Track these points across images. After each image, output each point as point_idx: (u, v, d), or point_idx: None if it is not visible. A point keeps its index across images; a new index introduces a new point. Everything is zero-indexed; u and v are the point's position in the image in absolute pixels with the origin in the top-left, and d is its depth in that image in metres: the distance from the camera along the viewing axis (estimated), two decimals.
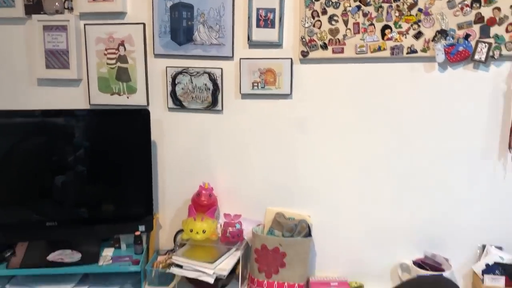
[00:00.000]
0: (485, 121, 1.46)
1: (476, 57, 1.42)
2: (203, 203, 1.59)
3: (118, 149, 1.56)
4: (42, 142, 1.52)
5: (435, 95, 1.47)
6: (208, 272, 1.45)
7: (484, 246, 1.50)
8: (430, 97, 1.48)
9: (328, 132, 1.57)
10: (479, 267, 1.46)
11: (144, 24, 1.61)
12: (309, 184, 1.61)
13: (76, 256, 1.55)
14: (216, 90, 1.60)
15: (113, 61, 1.65)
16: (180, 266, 1.49)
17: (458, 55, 1.42)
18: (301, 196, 1.63)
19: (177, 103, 1.64)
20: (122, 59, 1.65)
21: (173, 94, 1.63)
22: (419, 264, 1.50)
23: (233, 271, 1.54)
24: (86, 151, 1.54)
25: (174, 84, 1.62)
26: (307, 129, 1.58)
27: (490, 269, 1.43)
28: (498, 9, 1.38)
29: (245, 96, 1.60)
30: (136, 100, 1.66)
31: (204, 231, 1.55)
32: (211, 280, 1.45)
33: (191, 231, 1.55)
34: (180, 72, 1.61)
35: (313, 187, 1.61)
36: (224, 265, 1.49)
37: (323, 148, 1.58)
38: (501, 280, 1.41)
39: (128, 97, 1.67)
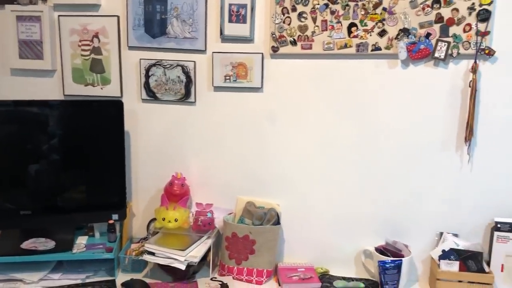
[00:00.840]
0: (444, 116, 1.54)
1: (436, 55, 1.49)
2: (175, 193, 1.63)
3: (92, 139, 1.59)
4: (15, 132, 1.53)
5: (397, 90, 1.55)
6: (179, 259, 1.50)
7: (441, 234, 1.59)
8: (393, 92, 1.55)
9: (297, 125, 1.63)
10: (436, 253, 1.55)
11: (118, 17, 1.63)
12: (279, 174, 1.68)
13: (50, 244, 1.58)
14: (189, 82, 1.64)
15: (87, 53, 1.67)
16: (153, 254, 1.54)
17: (419, 53, 1.50)
18: (271, 186, 1.69)
19: (151, 95, 1.67)
20: (96, 50, 1.67)
21: (147, 85, 1.67)
22: (381, 250, 1.58)
23: (205, 258, 1.59)
24: (60, 141, 1.56)
25: (147, 76, 1.65)
26: (277, 121, 1.64)
27: (446, 255, 1.52)
28: (457, 10, 1.46)
29: (217, 88, 1.65)
30: (110, 91, 1.69)
31: (176, 220, 1.60)
32: (182, 267, 1.50)
33: (164, 219, 1.60)
34: (154, 65, 1.64)
35: (283, 177, 1.68)
36: (195, 252, 1.54)
37: (292, 139, 1.64)
38: (455, 265, 1.50)
39: (102, 88, 1.69)
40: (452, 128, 1.54)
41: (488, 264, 1.54)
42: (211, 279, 1.59)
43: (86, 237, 1.66)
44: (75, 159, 1.59)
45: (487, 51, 1.46)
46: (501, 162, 1.53)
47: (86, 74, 1.68)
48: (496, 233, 1.52)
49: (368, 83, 1.56)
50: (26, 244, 1.56)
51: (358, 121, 1.59)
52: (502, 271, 1.53)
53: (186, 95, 1.65)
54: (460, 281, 1.50)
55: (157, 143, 1.72)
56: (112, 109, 1.59)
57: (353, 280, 1.59)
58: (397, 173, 1.60)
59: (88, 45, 1.67)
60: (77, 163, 1.59)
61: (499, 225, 1.52)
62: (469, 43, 1.47)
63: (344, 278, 1.60)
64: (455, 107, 1.53)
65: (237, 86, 1.62)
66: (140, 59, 1.65)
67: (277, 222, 1.63)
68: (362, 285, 1.55)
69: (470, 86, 1.49)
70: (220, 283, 1.56)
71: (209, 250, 1.60)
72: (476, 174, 1.55)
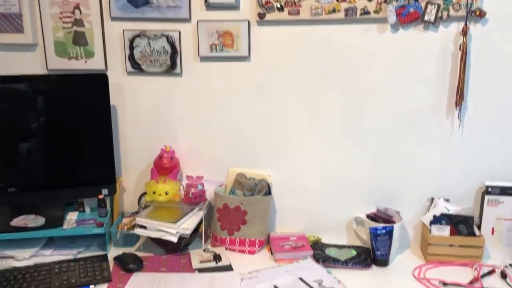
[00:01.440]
0: (434, 80, 1.52)
1: (426, 18, 1.46)
2: (165, 166, 1.61)
3: (78, 114, 1.56)
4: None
5: (387, 55, 1.52)
6: (171, 231, 1.50)
7: (432, 199, 1.60)
8: (382, 58, 1.53)
9: (286, 93, 1.60)
10: (428, 218, 1.56)
11: None
12: (269, 145, 1.66)
13: (40, 220, 1.57)
14: (174, 53, 1.60)
15: (69, 25, 1.62)
16: (144, 227, 1.53)
17: (408, 16, 1.46)
18: (261, 157, 1.68)
19: (136, 67, 1.64)
20: (78, 22, 1.62)
21: (131, 57, 1.63)
22: (372, 217, 1.59)
23: (197, 230, 1.59)
24: (45, 116, 1.53)
25: (132, 47, 1.61)
26: (265, 90, 1.61)
27: (437, 220, 1.53)
28: None
29: (203, 59, 1.61)
30: (94, 64, 1.65)
31: (166, 193, 1.59)
32: (174, 239, 1.50)
33: (154, 193, 1.59)
34: (138, 35, 1.60)
35: (273, 148, 1.66)
36: (187, 224, 1.54)
37: (281, 109, 1.62)
38: (446, 230, 1.51)
39: (86, 62, 1.65)
40: (442, 93, 1.52)
41: (479, 227, 1.55)
42: (204, 250, 1.59)
43: (77, 213, 1.66)
44: (61, 134, 1.56)
45: (478, 13, 1.43)
46: (491, 126, 1.52)
47: (69, 47, 1.64)
48: (486, 197, 1.53)
49: (357, 49, 1.53)
50: (16, 221, 1.55)
51: (348, 88, 1.56)
52: (492, 234, 1.54)
53: (172, 66, 1.62)
54: (451, 245, 1.51)
55: (144, 117, 1.69)
56: (97, 83, 1.55)
57: (345, 248, 1.59)
58: (387, 140, 1.59)
59: (70, 17, 1.62)
60: (63, 139, 1.56)
61: (489, 189, 1.52)
62: (460, 4, 1.43)
63: (336, 246, 1.60)
64: (445, 71, 1.51)
65: (224, 55, 1.59)
66: (124, 30, 1.60)
67: (268, 193, 1.63)
68: (354, 252, 1.55)
69: (460, 49, 1.47)
70: (213, 254, 1.56)
71: (200, 222, 1.59)
72: (467, 138, 1.54)
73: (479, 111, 1.52)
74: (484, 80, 1.49)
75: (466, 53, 1.46)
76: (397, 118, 1.56)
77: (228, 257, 1.54)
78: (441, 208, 1.55)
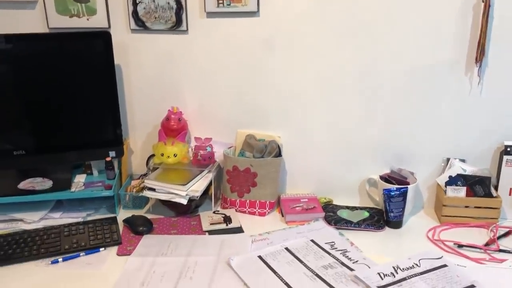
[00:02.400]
0: (454, 35, 1.44)
1: None
2: (172, 128, 1.57)
3: (82, 74, 1.51)
4: (0, 70, 1.45)
5: (404, 8, 1.44)
6: (180, 194, 1.47)
7: (448, 160, 1.55)
8: (399, 11, 1.44)
9: (297, 50, 1.53)
10: (443, 179, 1.52)
11: None
12: (279, 105, 1.61)
13: (48, 183, 1.55)
14: (179, 9, 1.53)
15: None
16: (153, 189, 1.51)
17: None
18: (271, 118, 1.63)
19: (140, 24, 1.57)
20: None
21: (135, 14, 1.56)
22: (386, 178, 1.55)
23: (206, 192, 1.57)
24: (48, 77, 1.48)
25: (135, 3, 1.54)
26: (275, 48, 1.54)
27: (452, 181, 1.49)
28: None
29: (210, 14, 1.54)
30: (96, 22, 1.58)
31: (175, 155, 1.56)
32: (184, 201, 1.47)
33: (162, 155, 1.56)
34: None
35: (283, 108, 1.61)
36: (197, 186, 1.51)
37: (291, 67, 1.55)
38: (462, 191, 1.47)
39: (88, 19, 1.58)
40: (462, 48, 1.45)
41: (496, 188, 1.51)
42: (214, 212, 1.57)
43: (84, 175, 1.63)
44: (66, 95, 1.51)
45: None
46: None
47: (70, 5, 1.57)
48: (505, 157, 1.48)
49: (372, 1, 1.45)
50: (23, 184, 1.54)
51: (362, 43, 1.49)
52: (510, 195, 1.50)
53: (177, 23, 1.55)
54: (466, 207, 1.47)
55: (150, 77, 1.64)
56: (100, 41, 1.49)
57: (357, 209, 1.57)
58: (402, 98, 1.52)
59: None
60: (68, 100, 1.52)
61: (508, 149, 1.47)
62: None
63: (348, 207, 1.58)
64: (466, 26, 1.42)
65: (231, 10, 1.51)
66: None
67: (279, 154, 1.59)
68: (367, 213, 1.53)
69: (483, 2, 1.38)
70: (223, 215, 1.54)
71: (210, 184, 1.57)
72: (486, 96, 1.48)
73: (500, 68, 1.44)
74: (507, 34, 1.41)
75: (489, 5, 1.37)
76: (413, 75, 1.49)
77: (239, 219, 1.52)
78: (456, 168, 1.51)
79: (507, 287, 1.16)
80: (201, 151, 1.58)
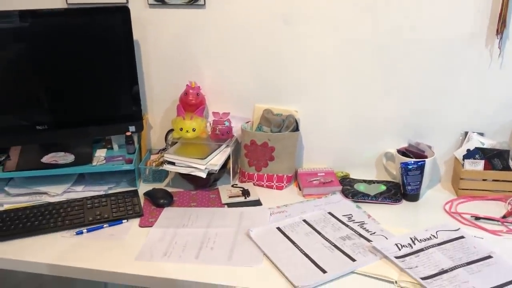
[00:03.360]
0: (474, 6, 1.41)
1: None
2: (191, 102, 1.59)
3: (101, 49, 1.52)
4: (21, 46, 1.47)
5: None
6: (200, 167, 1.50)
7: (466, 133, 1.54)
8: None
9: (314, 24, 1.52)
10: (461, 152, 1.52)
11: None
12: (296, 79, 1.61)
13: (70, 157, 1.58)
14: None
15: None
16: (173, 163, 1.53)
17: None
18: (289, 92, 1.63)
19: None
20: None
21: None
22: (403, 152, 1.55)
23: (224, 166, 1.59)
24: (67, 53, 1.50)
25: None
26: (293, 22, 1.54)
27: (470, 154, 1.49)
28: None
29: None
30: None
31: (194, 129, 1.58)
32: (203, 175, 1.50)
33: (181, 129, 1.58)
34: None
35: (301, 82, 1.61)
36: (215, 160, 1.53)
37: (309, 41, 1.55)
38: (480, 164, 1.47)
39: None
40: (482, 20, 1.42)
41: None
42: (232, 185, 1.60)
43: (105, 150, 1.67)
44: (86, 71, 1.53)
45: None
46: None
47: None
48: None
49: None
50: (46, 159, 1.57)
51: (379, 17, 1.47)
52: None
53: None
54: (484, 180, 1.48)
55: (168, 52, 1.65)
56: (118, 16, 1.50)
57: (374, 183, 1.58)
58: (421, 71, 1.51)
59: None
60: (88, 75, 1.54)
61: None
62: None
63: (365, 181, 1.59)
64: None
65: None
66: None
67: (296, 129, 1.60)
68: (384, 187, 1.54)
69: None
70: (241, 189, 1.56)
71: (228, 158, 1.59)
72: (506, 69, 1.46)
73: None
74: None
75: None
76: (432, 49, 1.48)
77: (257, 192, 1.55)
78: (475, 142, 1.51)
79: None
80: (219, 125, 1.59)
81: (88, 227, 1.34)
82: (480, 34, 1.44)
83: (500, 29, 1.40)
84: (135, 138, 1.65)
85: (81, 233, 1.32)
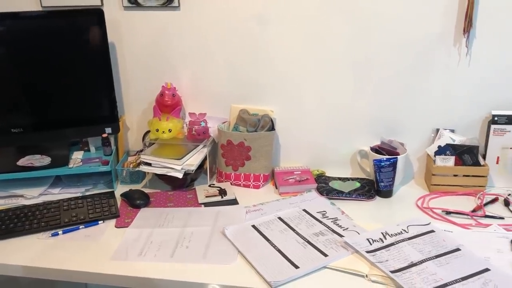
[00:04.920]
0: (442, 6, 1.45)
1: None
2: (167, 103, 1.60)
3: (76, 52, 1.53)
4: None
5: None
6: (176, 168, 1.51)
7: (437, 130, 1.58)
8: None
9: (288, 24, 1.55)
10: (432, 149, 1.55)
11: None
12: (272, 79, 1.63)
13: (46, 160, 1.58)
14: None
15: None
16: (149, 164, 1.54)
17: None
18: (264, 92, 1.65)
19: (132, 1, 1.58)
20: None
21: None
22: (376, 149, 1.58)
23: (202, 166, 1.60)
24: (43, 56, 1.50)
25: None
26: (268, 22, 1.56)
27: (441, 150, 1.52)
28: None
29: None
30: (89, 0, 1.60)
31: (170, 130, 1.59)
32: (179, 175, 1.51)
33: (157, 130, 1.59)
34: None
35: (276, 82, 1.63)
36: (192, 160, 1.55)
37: (283, 41, 1.57)
38: (451, 160, 1.51)
39: None
40: (450, 20, 1.46)
41: (484, 157, 1.54)
42: (210, 185, 1.61)
43: (82, 152, 1.67)
44: (61, 73, 1.54)
45: None
46: (500, 54, 1.47)
47: None
48: (492, 126, 1.51)
49: None
50: (22, 161, 1.57)
51: (350, 15, 1.50)
52: (497, 163, 1.54)
53: (169, 0, 1.56)
54: (455, 175, 1.51)
55: (144, 53, 1.66)
56: (93, 18, 1.51)
57: (349, 180, 1.60)
58: (392, 70, 1.54)
59: None
60: (63, 78, 1.54)
61: (496, 118, 1.50)
62: None
63: (340, 179, 1.62)
64: None
65: None
66: None
67: (272, 128, 1.62)
68: (358, 184, 1.57)
69: None
70: (218, 189, 1.58)
71: (205, 158, 1.60)
72: (474, 67, 1.50)
73: (487, 38, 1.46)
74: (493, 5, 1.42)
75: None
76: (402, 46, 1.51)
77: (234, 191, 1.56)
78: (446, 138, 1.54)
79: (491, 249, 1.20)
80: (195, 126, 1.61)
81: (64, 229, 1.34)
82: (448, 34, 1.48)
83: (467, 28, 1.44)
84: (112, 140, 1.66)
85: (57, 234, 1.33)
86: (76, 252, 1.24)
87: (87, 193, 1.55)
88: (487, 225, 1.32)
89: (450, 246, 1.21)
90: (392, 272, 1.11)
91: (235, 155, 1.61)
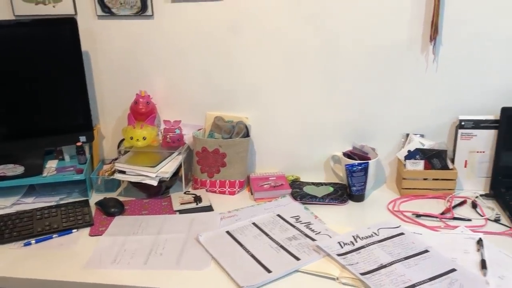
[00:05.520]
0: (409, 15, 1.49)
1: None
2: (141, 111, 1.61)
3: (49, 61, 1.53)
4: None
5: None
6: (150, 175, 1.51)
7: (407, 135, 1.62)
8: None
9: (261, 33, 1.58)
10: (402, 153, 1.59)
11: None
12: (246, 87, 1.65)
13: (19, 169, 1.57)
14: None
15: None
16: (124, 172, 1.54)
17: None
18: (239, 99, 1.67)
19: (106, 10, 1.59)
20: None
21: (101, 1, 1.58)
22: (348, 155, 1.61)
23: (177, 174, 1.61)
24: (17, 65, 1.50)
25: None
26: (239, 32, 1.58)
27: (411, 155, 1.56)
28: None
29: None
30: (63, 9, 1.60)
31: (144, 138, 1.59)
32: (154, 183, 1.52)
33: (132, 138, 1.59)
34: None
35: (250, 89, 1.65)
36: (167, 168, 1.55)
37: (257, 49, 1.60)
38: (420, 164, 1.54)
39: (54, 6, 1.60)
40: (417, 28, 1.51)
41: (452, 161, 1.59)
42: (185, 193, 1.62)
43: (56, 161, 1.66)
44: (35, 82, 1.53)
45: None
46: (465, 60, 1.52)
47: None
48: (460, 131, 1.55)
49: None
50: None
51: (322, 25, 1.54)
52: (465, 166, 1.58)
53: (142, 9, 1.57)
54: (425, 179, 1.55)
55: (118, 62, 1.67)
56: (66, 27, 1.51)
57: (322, 185, 1.63)
58: (362, 77, 1.58)
59: None
60: (37, 87, 1.54)
61: (463, 123, 1.55)
62: None
63: (314, 184, 1.64)
64: (420, 6, 1.48)
65: None
66: None
67: (247, 135, 1.64)
68: (331, 188, 1.59)
69: None
70: (194, 196, 1.59)
71: (180, 165, 1.61)
72: (441, 73, 1.54)
73: (453, 45, 1.51)
74: (458, 12, 1.47)
75: None
76: (372, 55, 1.55)
77: (209, 198, 1.57)
78: (415, 143, 1.58)
79: (458, 250, 1.24)
80: (170, 133, 1.62)
81: (37, 238, 1.34)
82: (415, 41, 1.52)
83: (433, 35, 1.48)
84: (87, 149, 1.66)
85: (29, 244, 1.32)
86: (49, 261, 1.24)
87: (62, 202, 1.55)
88: (455, 227, 1.36)
89: (419, 248, 1.24)
90: (362, 274, 1.13)
91: (210, 162, 1.62)
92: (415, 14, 1.49)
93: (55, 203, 1.53)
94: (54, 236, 1.35)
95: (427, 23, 1.49)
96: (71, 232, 1.38)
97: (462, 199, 1.51)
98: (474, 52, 1.51)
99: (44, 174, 1.55)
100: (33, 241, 1.33)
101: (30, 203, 1.54)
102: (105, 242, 1.32)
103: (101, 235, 1.36)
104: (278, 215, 1.44)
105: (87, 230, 1.39)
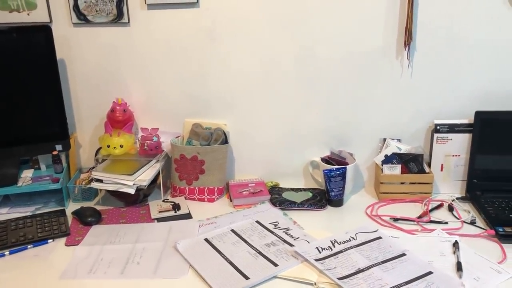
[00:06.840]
0: (383, 21, 1.52)
1: None
2: (118, 119, 1.60)
3: (24, 69, 1.51)
4: None
5: None
6: (128, 183, 1.50)
7: (384, 140, 1.64)
8: (331, 1, 1.51)
9: (237, 39, 1.58)
10: (380, 158, 1.60)
11: None
12: (225, 93, 1.65)
13: None
14: (120, 1, 1.55)
15: None
16: (101, 181, 1.53)
17: None
18: (217, 106, 1.67)
19: (82, 18, 1.58)
20: None
21: (76, 8, 1.56)
22: (327, 160, 1.62)
23: (155, 181, 1.60)
24: None
25: None
26: (216, 38, 1.59)
27: (388, 159, 1.58)
28: None
29: (151, 6, 1.56)
30: (37, 16, 1.58)
31: (121, 146, 1.58)
32: (131, 191, 1.50)
33: (108, 146, 1.57)
34: None
35: (228, 96, 1.65)
36: (144, 176, 1.54)
37: (234, 56, 1.60)
38: (397, 168, 1.56)
39: (28, 14, 1.58)
40: (392, 34, 1.53)
41: (429, 165, 1.61)
42: (163, 200, 1.61)
43: (32, 170, 1.64)
44: (9, 91, 1.51)
45: None
46: (439, 66, 1.55)
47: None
48: (435, 135, 1.58)
49: None
50: None
51: (298, 33, 1.55)
52: (441, 170, 1.60)
53: (118, 16, 1.57)
54: (402, 183, 1.57)
55: (94, 70, 1.65)
56: (40, 35, 1.49)
57: (301, 191, 1.64)
58: (339, 84, 1.60)
59: None
60: (12, 95, 1.51)
61: (438, 127, 1.57)
62: None
63: (293, 189, 1.64)
64: (394, 13, 1.51)
65: (171, 2, 1.54)
66: None
67: (225, 141, 1.64)
68: (310, 194, 1.60)
69: None
70: (172, 203, 1.58)
71: (158, 173, 1.60)
72: (416, 78, 1.57)
73: (427, 51, 1.53)
74: (431, 18, 1.50)
75: None
76: (349, 61, 1.57)
77: (188, 206, 1.56)
78: (392, 148, 1.60)
79: (434, 253, 1.25)
80: (147, 141, 1.61)
81: (11, 249, 1.31)
82: (390, 47, 1.54)
83: (407, 41, 1.51)
84: (63, 157, 1.64)
85: (3, 255, 1.29)
86: (23, 272, 1.22)
87: (38, 212, 1.52)
88: (432, 230, 1.37)
89: (396, 252, 1.25)
90: (340, 279, 1.13)
91: (188, 169, 1.62)
92: (390, 20, 1.51)
93: (31, 213, 1.51)
94: (29, 246, 1.33)
95: (401, 29, 1.52)
96: (47, 243, 1.35)
97: (439, 203, 1.53)
98: (447, 57, 1.54)
99: (19, 184, 1.53)
100: (7, 252, 1.30)
101: (5, 214, 1.51)
102: (81, 252, 1.30)
103: (77, 244, 1.34)
104: (257, 222, 1.44)
105: (63, 240, 1.37)
